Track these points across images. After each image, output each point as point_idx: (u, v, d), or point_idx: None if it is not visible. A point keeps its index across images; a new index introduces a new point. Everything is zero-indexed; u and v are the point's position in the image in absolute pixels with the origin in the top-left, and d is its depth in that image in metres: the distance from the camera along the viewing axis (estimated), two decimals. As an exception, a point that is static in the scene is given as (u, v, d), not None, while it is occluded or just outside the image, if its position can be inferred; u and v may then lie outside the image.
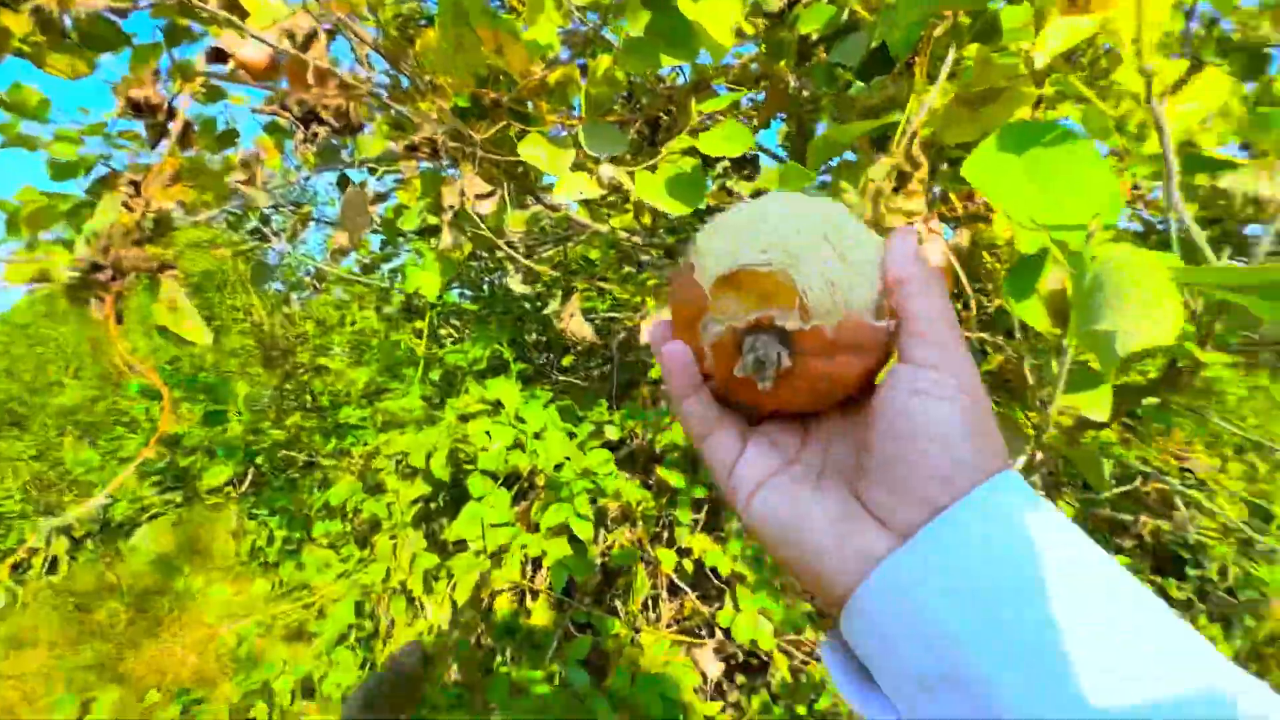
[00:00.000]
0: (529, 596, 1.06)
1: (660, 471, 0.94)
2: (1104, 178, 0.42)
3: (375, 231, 1.19)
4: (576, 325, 0.78)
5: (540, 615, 0.96)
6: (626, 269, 1.03)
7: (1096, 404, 0.47)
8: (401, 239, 1.15)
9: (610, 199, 1.20)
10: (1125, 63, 0.59)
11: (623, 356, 1.26)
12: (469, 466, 1.13)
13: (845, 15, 0.73)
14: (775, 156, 1.46)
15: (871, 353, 0.25)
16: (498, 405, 1.06)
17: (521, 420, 0.91)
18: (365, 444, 1.23)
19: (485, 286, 1.75)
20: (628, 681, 0.89)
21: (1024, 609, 0.18)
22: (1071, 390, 0.48)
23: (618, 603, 1.36)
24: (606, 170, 0.65)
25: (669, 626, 1.25)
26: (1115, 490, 1.14)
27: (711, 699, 1.44)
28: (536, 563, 1.29)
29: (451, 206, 0.72)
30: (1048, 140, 0.44)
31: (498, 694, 0.99)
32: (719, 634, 1.07)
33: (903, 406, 0.22)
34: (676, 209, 0.60)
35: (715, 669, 0.95)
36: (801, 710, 1.28)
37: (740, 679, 1.45)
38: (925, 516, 0.21)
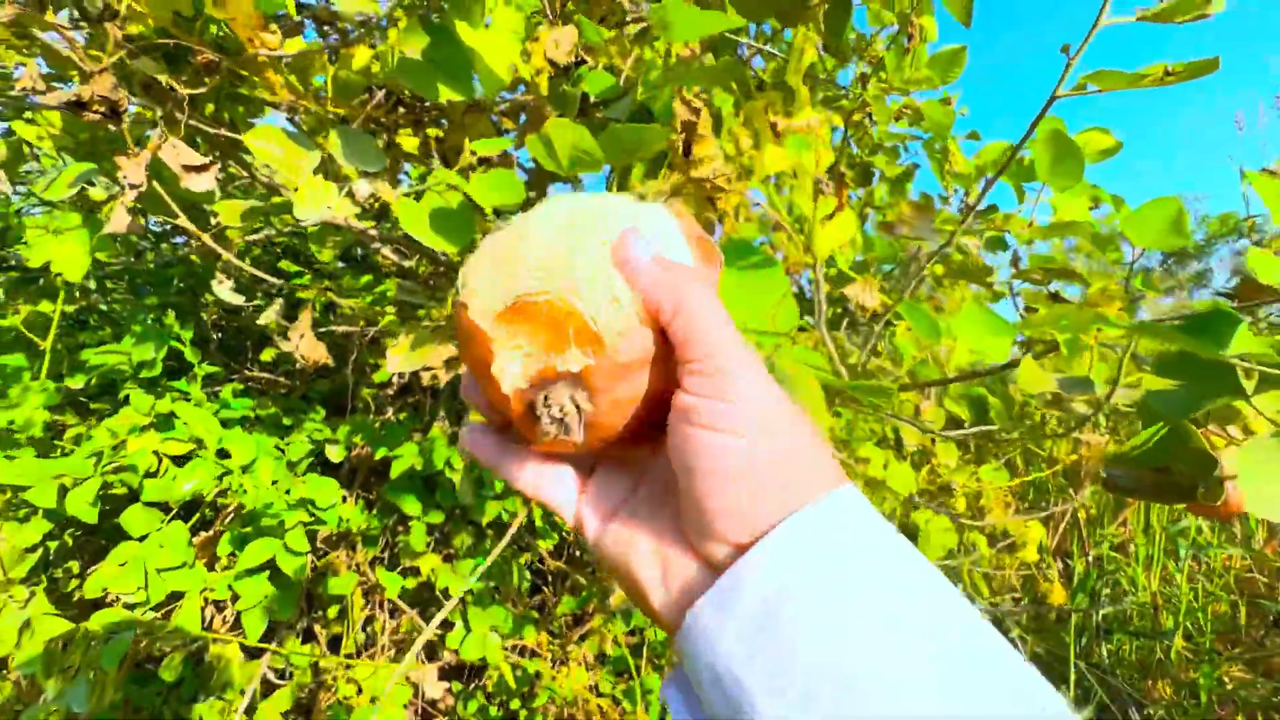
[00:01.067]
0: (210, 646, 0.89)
1: (391, 497, 0.89)
2: (786, 297, 0.57)
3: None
4: (309, 347, 0.69)
5: (233, 670, 0.82)
6: (364, 279, 0.93)
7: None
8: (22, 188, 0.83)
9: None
10: (801, 190, 0.79)
11: (357, 377, 1.13)
12: (121, 491, 0.89)
13: (621, 81, 0.81)
14: (524, 168, 1.49)
15: (652, 354, 0.23)
16: (170, 416, 0.86)
17: (224, 454, 0.76)
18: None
19: (150, 241, 1.37)
20: (340, 724, 0.83)
21: (808, 652, 0.18)
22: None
23: (318, 628, 1.23)
24: (363, 188, 0.59)
25: (385, 649, 1.18)
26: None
27: (424, 715, 1.41)
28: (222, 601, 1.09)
29: (135, 186, 0.56)
30: (753, 262, 0.57)
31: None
32: (439, 652, 1.06)
33: (683, 442, 0.21)
34: (443, 246, 0.59)
35: (438, 691, 0.95)
36: (515, 704, 1.35)
37: (455, 685, 1.45)
38: (728, 554, 0.20)
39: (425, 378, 0.76)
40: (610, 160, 0.54)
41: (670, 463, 0.23)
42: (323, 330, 0.95)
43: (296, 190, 0.57)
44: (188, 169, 0.62)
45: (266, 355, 1.41)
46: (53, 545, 0.99)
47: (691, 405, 0.21)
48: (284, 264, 1.29)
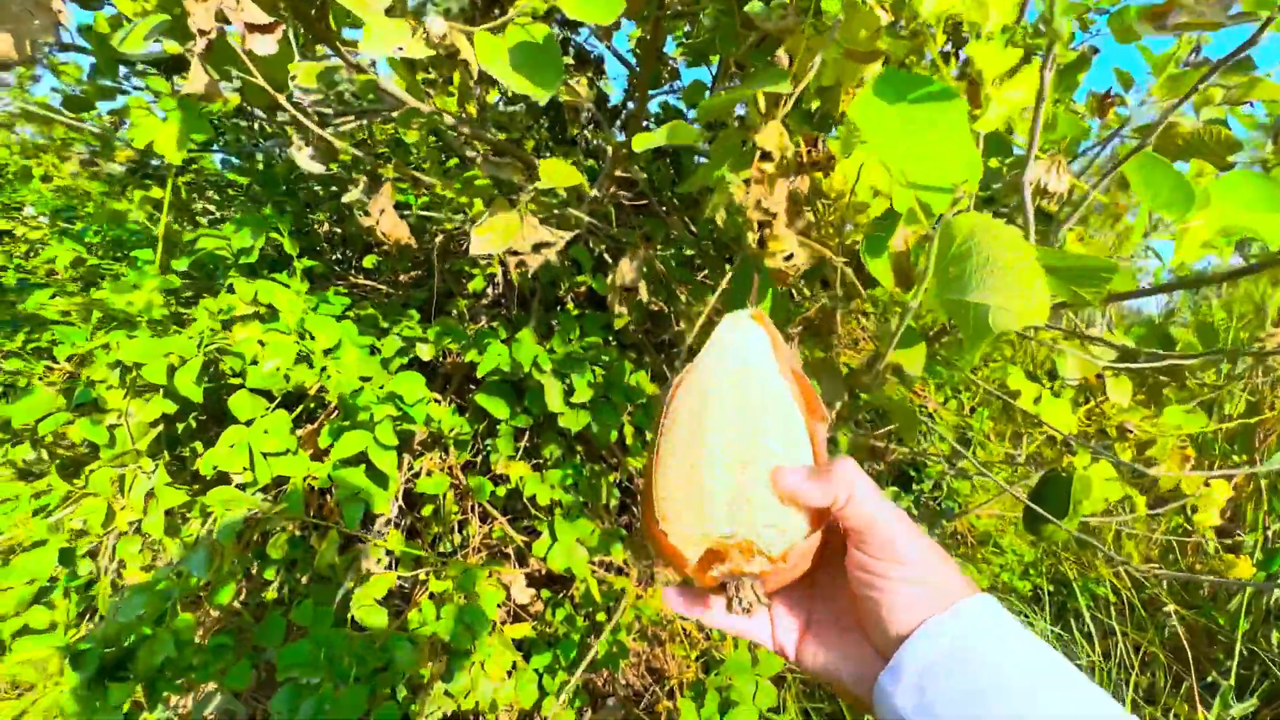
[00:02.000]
0: (314, 532, 0.92)
1: (479, 399, 0.85)
2: (967, 142, 0.42)
3: (81, 50, 0.84)
4: (389, 223, 0.64)
5: (329, 553, 0.84)
6: (451, 162, 0.87)
7: (914, 360, 0.51)
8: (127, 71, 0.82)
9: (433, 76, 1.00)
10: (983, 39, 0.61)
11: (442, 265, 1.10)
12: (235, 380, 0.92)
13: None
14: (625, 62, 1.35)
15: (815, 547, 0.33)
16: (273, 309, 0.86)
17: (308, 335, 0.74)
18: (73, 344, 0.93)
19: (258, 154, 1.39)
20: (432, 615, 0.84)
21: (948, 709, 0.27)
22: (897, 348, 0.51)
23: (420, 527, 1.27)
24: (436, 25, 0.50)
25: (477, 551, 1.21)
26: (881, 430, 1.37)
27: (515, 617, 1.46)
28: (325, 491, 1.14)
29: (204, 33, 0.51)
30: (921, 94, 0.43)
31: (270, 637, 0.87)
32: (530, 561, 1.06)
33: (859, 585, 0.32)
34: (526, 88, 0.49)
35: (526, 596, 0.94)
36: (601, 618, 1.36)
37: (545, 593, 1.49)
38: (895, 646, 0.30)
39: (512, 264, 0.69)
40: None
41: (835, 589, 0.35)
42: (408, 215, 0.91)
43: (366, 27, 0.49)
44: (251, 28, 0.56)
45: (369, 261, 1.43)
46: (180, 426, 1.06)
47: (862, 561, 0.32)
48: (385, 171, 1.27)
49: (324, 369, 0.77)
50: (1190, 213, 0.41)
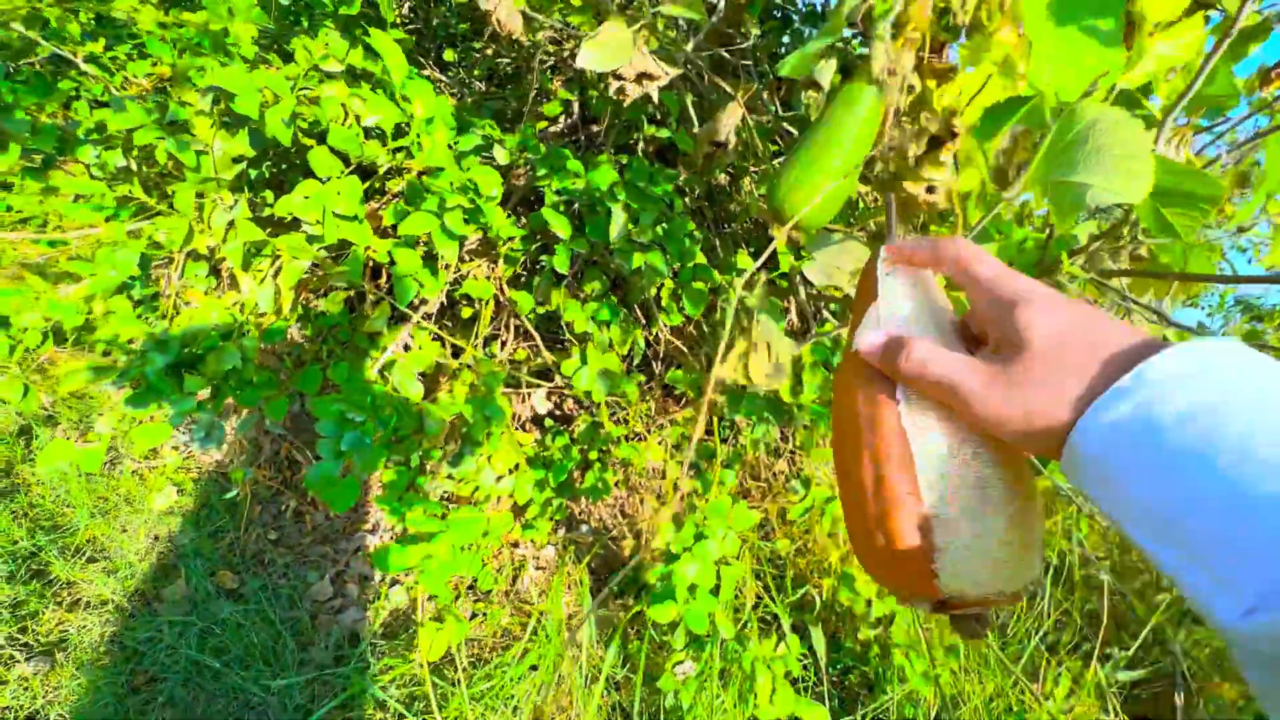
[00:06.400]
0: (365, 301, 0.99)
1: (546, 213, 0.88)
2: (1116, 37, 0.41)
3: None
4: (506, 12, 0.62)
5: (379, 321, 0.91)
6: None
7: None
8: None
9: None
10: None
11: (526, 77, 1.07)
12: (308, 141, 0.94)
13: None
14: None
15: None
16: (364, 74, 0.85)
17: (405, 99, 0.74)
18: (157, 63, 0.94)
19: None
20: (463, 398, 0.92)
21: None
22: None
23: (457, 331, 1.35)
24: None
25: (505, 366, 1.30)
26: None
27: (528, 430, 1.58)
28: (378, 270, 1.20)
29: None
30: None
31: (308, 385, 0.96)
32: (556, 379, 1.14)
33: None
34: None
35: (542, 408, 1.03)
36: (593, 455, 1.49)
37: (549, 423, 1.61)
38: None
39: (612, 88, 0.68)
40: None
41: None
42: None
43: None
44: None
45: (449, 55, 1.38)
46: (253, 173, 1.09)
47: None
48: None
49: (415, 143, 0.78)
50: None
